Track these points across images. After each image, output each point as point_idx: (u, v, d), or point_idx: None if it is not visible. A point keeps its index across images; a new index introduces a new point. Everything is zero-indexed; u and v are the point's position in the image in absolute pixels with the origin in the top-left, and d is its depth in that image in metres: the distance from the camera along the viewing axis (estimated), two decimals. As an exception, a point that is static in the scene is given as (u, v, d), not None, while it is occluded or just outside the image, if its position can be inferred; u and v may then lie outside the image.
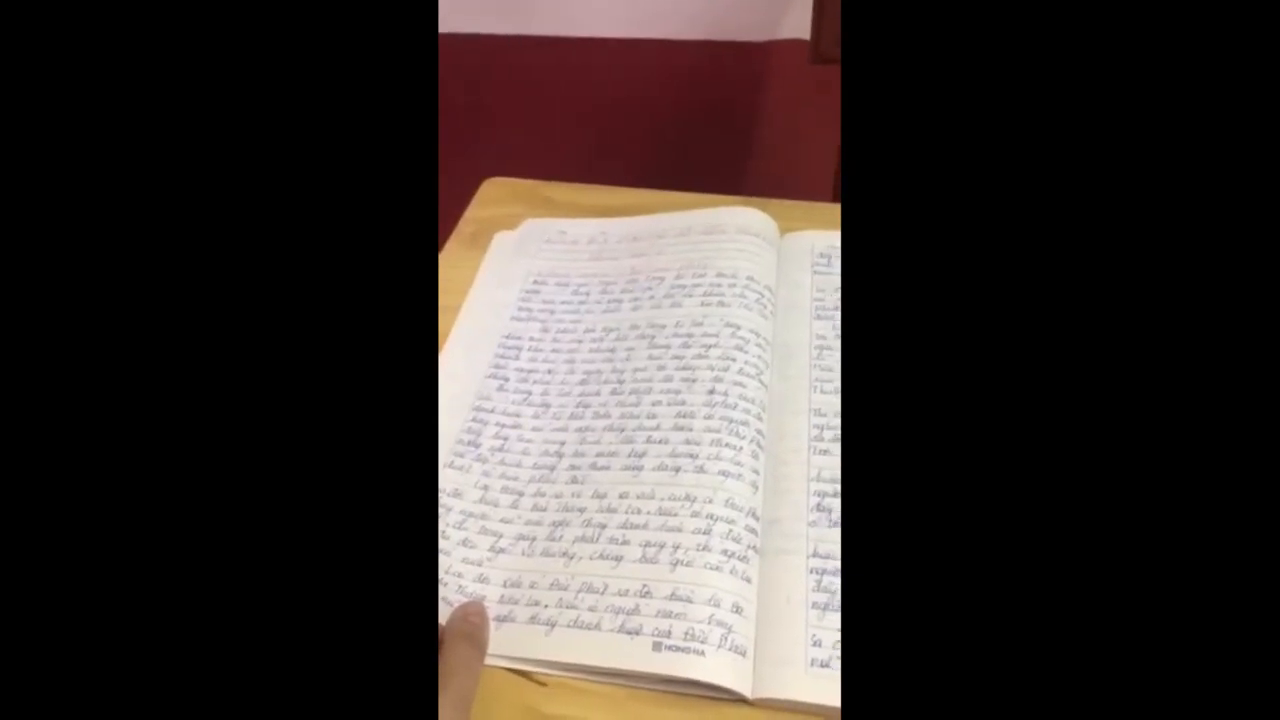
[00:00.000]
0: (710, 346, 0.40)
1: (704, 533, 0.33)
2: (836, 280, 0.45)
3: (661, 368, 0.40)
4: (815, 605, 0.32)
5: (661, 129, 0.80)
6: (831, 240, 0.47)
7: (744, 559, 0.33)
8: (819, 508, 0.35)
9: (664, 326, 0.42)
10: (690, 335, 0.41)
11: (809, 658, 0.30)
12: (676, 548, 0.33)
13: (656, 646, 0.30)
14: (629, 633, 0.31)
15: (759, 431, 0.37)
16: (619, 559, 0.33)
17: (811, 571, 0.33)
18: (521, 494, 0.37)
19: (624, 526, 0.34)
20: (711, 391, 0.38)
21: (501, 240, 0.51)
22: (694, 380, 0.39)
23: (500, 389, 0.42)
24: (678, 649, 0.30)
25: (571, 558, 0.34)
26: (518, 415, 0.40)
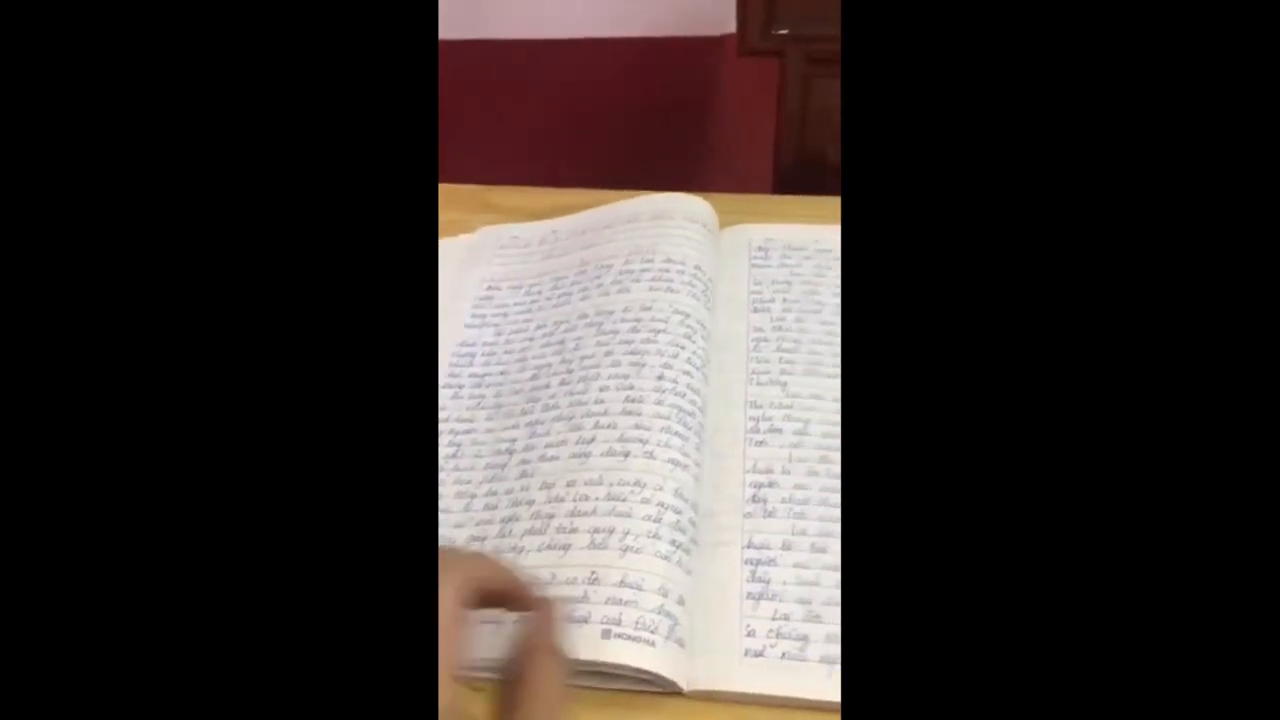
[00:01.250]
0: (659, 332, 0.40)
1: (654, 520, 0.33)
2: (773, 274, 0.45)
3: (609, 353, 0.40)
4: (749, 596, 0.32)
5: (605, 129, 0.80)
6: (768, 233, 0.48)
7: (688, 551, 0.33)
8: (754, 499, 0.35)
9: (612, 312, 0.42)
10: (639, 320, 0.41)
11: (742, 648, 0.31)
12: (626, 533, 0.33)
13: (605, 634, 0.30)
14: (578, 621, 0.31)
15: (701, 424, 0.38)
16: (567, 548, 0.33)
17: (746, 563, 0.33)
18: (474, 495, 0.37)
19: (572, 514, 0.34)
20: (660, 377, 0.38)
21: (448, 248, 0.50)
22: (643, 365, 0.39)
23: (454, 397, 0.41)
24: (628, 637, 0.30)
25: (520, 551, 0.34)
26: (471, 420, 0.40)
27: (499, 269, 0.48)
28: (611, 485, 0.35)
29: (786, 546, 0.34)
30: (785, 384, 0.40)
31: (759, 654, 0.31)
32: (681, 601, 0.32)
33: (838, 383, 0.39)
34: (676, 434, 0.36)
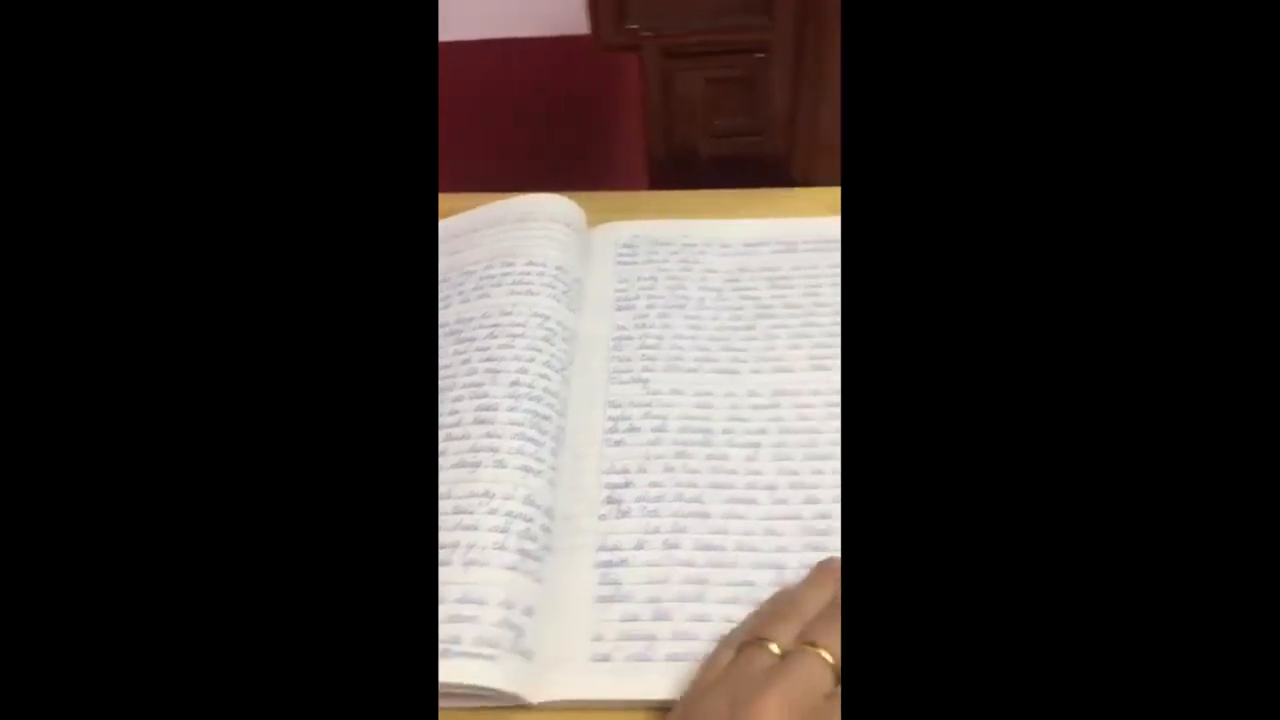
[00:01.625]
0: (516, 336, 0.39)
1: (502, 530, 0.33)
2: (640, 270, 0.45)
3: (466, 361, 0.39)
4: (600, 599, 0.32)
5: (484, 131, 0.79)
6: (636, 230, 0.47)
7: (538, 559, 0.33)
8: (609, 500, 0.35)
9: (471, 319, 0.41)
10: (497, 325, 0.40)
11: (590, 653, 0.30)
12: (471, 547, 0.32)
13: (445, 654, 0.30)
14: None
15: (560, 428, 0.37)
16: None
17: (598, 565, 0.33)
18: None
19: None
20: (515, 383, 0.38)
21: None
22: (498, 372, 0.38)
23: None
24: (468, 655, 0.29)
25: None
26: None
27: None
28: (459, 499, 0.34)
29: (639, 546, 0.33)
30: (646, 381, 0.39)
31: (606, 658, 0.30)
32: (529, 612, 0.31)
33: (697, 377, 0.39)
34: (530, 439, 0.36)
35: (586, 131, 0.76)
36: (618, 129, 0.74)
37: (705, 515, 0.34)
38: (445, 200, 0.52)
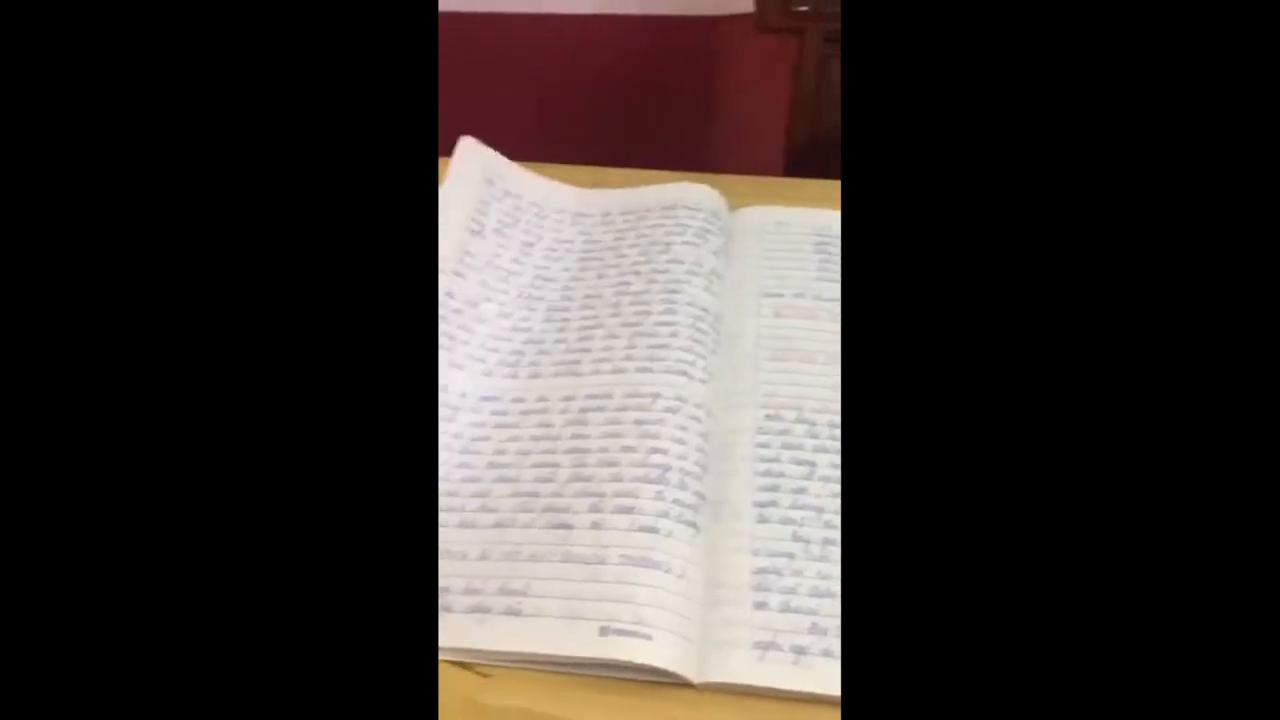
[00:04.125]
0: (673, 334, 0.40)
1: (662, 508, 0.33)
2: (783, 260, 0.45)
3: (629, 347, 0.39)
4: (758, 587, 0.32)
5: (612, 106, 0.78)
6: (778, 216, 0.47)
7: (692, 542, 0.33)
8: (764, 488, 0.35)
9: (623, 311, 0.41)
10: (643, 324, 0.41)
11: (752, 640, 0.30)
12: (635, 511, 0.33)
13: (603, 631, 0.30)
14: (573, 618, 0.31)
15: (710, 412, 0.37)
16: (570, 528, 0.33)
17: (755, 553, 0.33)
18: (479, 479, 0.36)
19: (581, 494, 0.34)
20: (669, 369, 0.38)
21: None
22: (657, 360, 0.38)
23: (448, 359, 0.40)
24: (625, 633, 0.30)
25: (526, 527, 0.33)
26: (463, 394, 0.39)
27: (485, 216, 0.46)
28: (625, 467, 0.34)
29: (796, 538, 0.33)
30: (794, 375, 0.39)
31: (769, 647, 0.30)
32: (686, 594, 0.31)
33: (824, 369, 0.39)
34: (692, 417, 0.36)
35: (699, 113, 0.75)
36: (728, 113, 0.73)
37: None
38: (566, 170, 0.52)
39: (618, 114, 0.75)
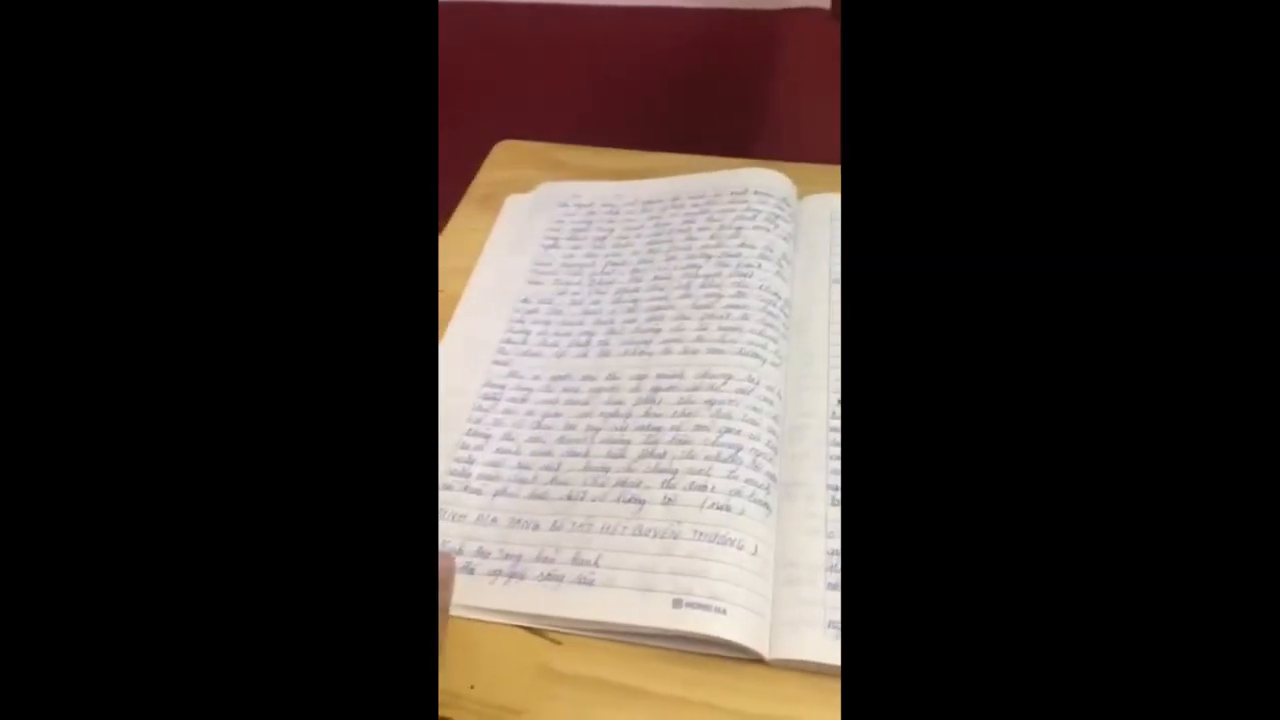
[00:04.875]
0: (745, 317, 0.40)
1: (735, 487, 0.33)
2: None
3: (702, 329, 0.39)
4: (832, 568, 0.32)
5: (673, 96, 0.79)
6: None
7: (764, 521, 0.33)
8: (837, 472, 0.35)
9: (692, 295, 0.41)
10: (715, 306, 0.41)
11: (825, 619, 0.30)
12: (708, 489, 0.33)
13: (677, 604, 0.30)
14: (647, 590, 0.31)
15: (781, 394, 0.37)
16: (642, 503, 0.33)
17: (829, 535, 0.33)
18: (550, 453, 0.36)
19: (653, 471, 0.34)
20: (742, 351, 0.38)
21: (514, 204, 0.50)
22: (730, 343, 0.38)
23: (526, 353, 0.41)
24: (699, 606, 0.30)
25: (593, 500, 0.34)
26: (536, 377, 0.40)
27: (560, 226, 0.47)
28: (698, 444, 0.34)
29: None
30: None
31: (840, 625, 0.30)
32: (759, 571, 0.31)
33: None
34: (764, 399, 0.36)
35: (764, 102, 0.75)
36: (792, 102, 0.72)
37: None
38: (629, 157, 0.52)
39: (680, 106, 0.75)
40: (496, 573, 0.32)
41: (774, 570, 0.32)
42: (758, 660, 0.30)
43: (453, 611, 0.31)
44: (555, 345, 0.41)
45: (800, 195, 0.47)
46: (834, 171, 0.51)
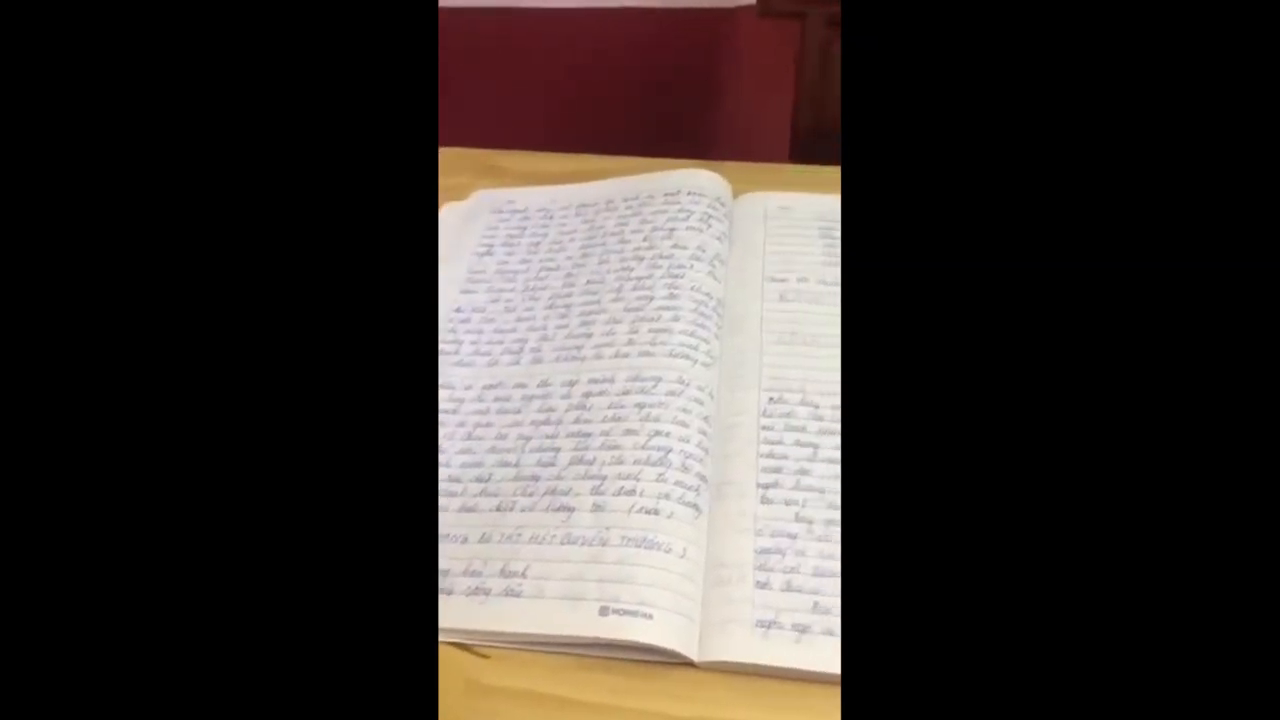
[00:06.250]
0: (676, 319, 0.39)
1: (663, 490, 0.33)
2: (787, 245, 0.44)
3: (632, 332, 0.39)
4: (760, 566, 0.31)
5: (621, 98, 0.79)
6: (782, 201, 0.47)
7: (693, 523, 0.32)
8: (767, 469, 0.34)
9: (625, 297, 0.41)
10: (646, 309, 0.41)
11: (753, 618, 0.30)
12: (636, 493, 0.33)
13: (603, 611, 0.30)
14: (575, 599, 0.30)
15: (713, 395, 0.37)
16: (571, 510, 0.33)
17: (757, 533, 0.32)
18: (481, 464, 0.36)
19: (583, 478, 0.34)
20: (673, 354, 0.38)
21: (448, 213, 0.49)
22: (660, 344, 0.38)
23: (458, 363, 0.41)
24: (625, 612, 0.30)
25: (520, 511, 0.33)
26: (468, 387, 0.39)
27: (493, 233, 0.47)
28: (627, 449, 0.34)
29: (799, 519, 0.33)
30: (800, 359, 0.39)
31: (770, 625, 0.30)
32: (687, 574, 0.31)
33: (829, 352, 0.39)
34: (694, 399, 0.36)
35: (708, 102, 0.75)
36: (738, 101, 0.73)
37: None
38: (570, 160, 0.52)
39: (625, 106, 0.75)
40: (426, 588, 0.32)
41: (704, 571, 0.32)
42: (687, 663, 0.30)
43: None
44: (488, 354, 0.41)
45: (736, 194, 0.47)
46: (773, 170, 0.51)
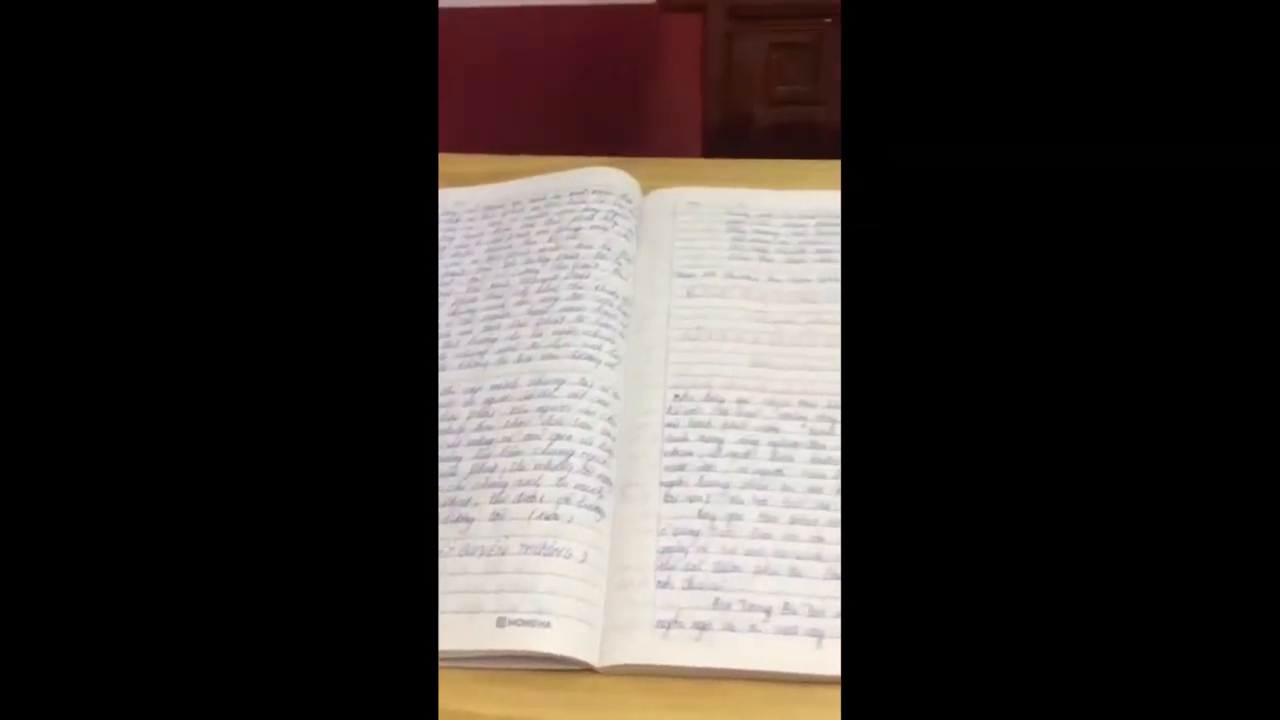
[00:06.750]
0: (580, 319, 0.39)
1: (564, 495, 0.32)
2: (697, 240, 0.44)
3: (536, 335, 0.39)
4: (661, 566, 0.31)
5: (543, 97, 0.78)
6: (691, 197, 0.46)
7: (595, 526, 0.32)
8: (671, 468, 0.34)
9: (529, 300, 0.41)
10: (560, 302, 0.40)
11: (654, 619, 0.30)
12: (536, 499, 0.32)
13: (500, 623, 0.29)
14: (472, 612, 0.30)
15: (617, 394, 0.37)
16: (470, 520, 0.32)
17: (660, 533, 0.32)
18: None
19: (483, 486, 0.33)
20: (576, 355, 0.37)
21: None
22: (562, 347, 0.38)
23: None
24: (523, 623, 0.29)
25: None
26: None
27: None
28: (528, 455, 0.33)
29: (702, 515, 0.33)
30: (707, 355, 0.39)
31: (670, 625, 0.29)
32: (586, 579, 0.31)
33: (756, 350, 0.38)
34: (598, 400, 0.36)
35: (627, 99, 0.75)
36: (655, 97, 0.72)
37: (763, 487, 0.33)
38: (490, 162, 0.51)
39: (546, 105, 0.75)
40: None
41: (607, 575, 0.31)
42: (588, 670, 0.29)
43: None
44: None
45: (647, 191, 0.47)
46: (684, 165, 0.50)
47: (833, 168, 0.48)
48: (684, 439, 0.35)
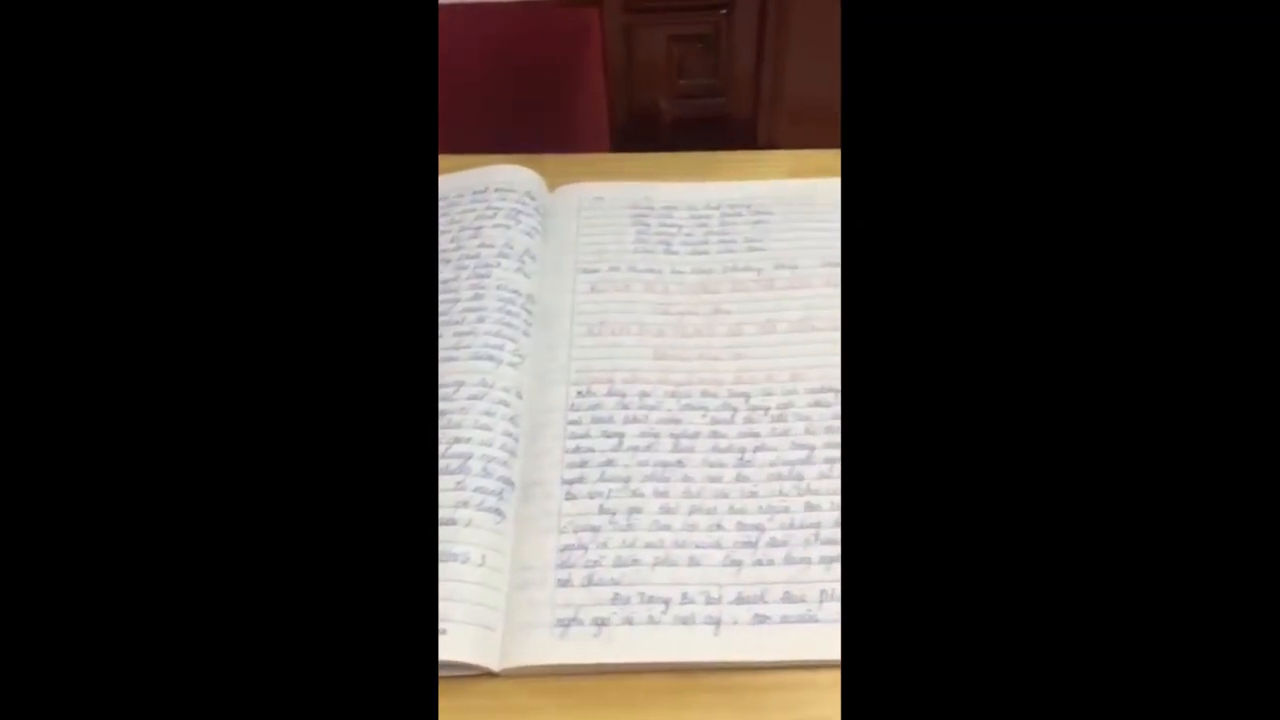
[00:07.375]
0: (480, 320, 0.38)
1: (459, 489, 0.32)
2: (601, 235, 0.44)
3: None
4: (561, 564, 0.31)
5: (460, 96, 0.77)
6: (599, 192, 0.46)
7: (495, 529, 0.32)
8: (573, 465, 0.34)
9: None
10: (460, 302, 0.39)
11: (554, 619, 0.30)
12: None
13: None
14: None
15: (519, 394, 0.36)
16: None
17: (561, 531, 0.32)
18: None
19: None
20: (478, 356, 0.37)
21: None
22: (463, 347, 0.37)
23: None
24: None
25: None
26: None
27: None
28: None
29: (602, 510, 0.33)
30: (609, 350, 0.39)
31: (569, 624, 0.29)
32: (486, 582, 0.30)
33: (662, 342, 0.39)
34: (501, 402, 0.35)
35: (547, 97, 0.74)
36: (578, 94, 0.72)
37: (664, 479, 0.33)
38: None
39: (465, 104, 0.73)
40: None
41: (508, 576, 0.31)
42: (488, 674, 0.29)
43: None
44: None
45: (553, 187, 0.47)
46: (592, 160, 0.50)
47: (743, 159, 0.48)
48: (586, 435, 0.35)
